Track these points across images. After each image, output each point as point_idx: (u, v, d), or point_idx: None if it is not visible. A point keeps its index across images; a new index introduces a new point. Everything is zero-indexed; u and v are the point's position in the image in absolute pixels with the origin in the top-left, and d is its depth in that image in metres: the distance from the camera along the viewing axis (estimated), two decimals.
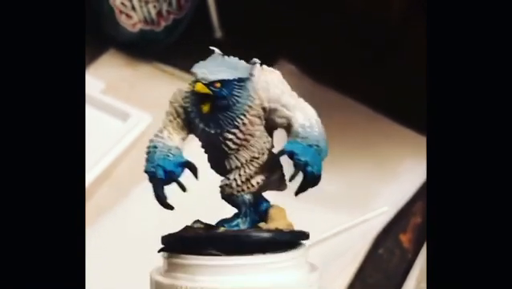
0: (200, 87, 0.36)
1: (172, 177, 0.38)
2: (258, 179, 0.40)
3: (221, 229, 0.39)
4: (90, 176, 0.67)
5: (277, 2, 0.79)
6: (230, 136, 0.38)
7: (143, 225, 0.65)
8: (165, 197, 0.38)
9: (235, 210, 0.40)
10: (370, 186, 0.69)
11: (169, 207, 0.39)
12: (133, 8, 0.79)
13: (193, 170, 0.39)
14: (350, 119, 0.74)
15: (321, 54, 0.76)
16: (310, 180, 0.38)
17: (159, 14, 0.80)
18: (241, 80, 0.37)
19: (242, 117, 0.37)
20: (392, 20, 0.71)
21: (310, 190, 0.39)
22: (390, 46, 0.73)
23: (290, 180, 0.38)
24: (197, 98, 0.37)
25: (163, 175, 0.38)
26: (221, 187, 0.40)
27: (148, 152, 0.39)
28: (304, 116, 0.38)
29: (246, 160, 0.39)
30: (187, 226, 0.40)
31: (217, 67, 0.37)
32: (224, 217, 0.40)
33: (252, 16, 0.80)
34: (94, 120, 0.69)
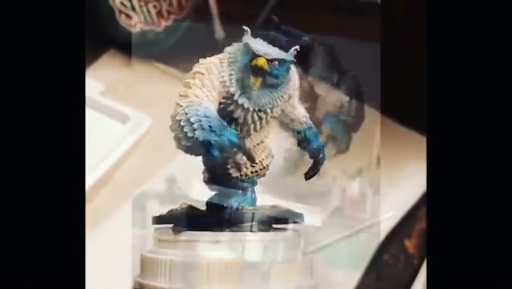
0: (263, 62, 0.36)
1: (236, 146, 0.37)
2: (268, 162, 0.40)
3: (250, 207, 0.39)
4: (89, 179, 0.66)
5: (278, 2, 0.78)
6: (263, 115, 0.38)
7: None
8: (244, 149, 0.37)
9: None
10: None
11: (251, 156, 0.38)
12: (133, 8, 0.79)
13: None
14: None
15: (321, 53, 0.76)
16: (321, 165, 0.40)
17: (159, 13, 0.79)
18: (291, 63, 0.37)
19: (281, 98, 0.38)
20: (392, 20, 0.72)
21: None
22: (390, 46, 0.73)
23: (318, 162, 0.40)
24: (246, 72, 0.37)
25: (228, 144, 0.36)
26: (232, 168, 0.39)
27: (199, 121, 0.36)
28: (303, 108, 0.41)
29: (258, 143, 0.39)
30: (190, 206, 0.40)
31: (270, 47, 0.37)
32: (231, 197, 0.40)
33: (253, 16, 0.80)
34: (93, 123, 0.68)
